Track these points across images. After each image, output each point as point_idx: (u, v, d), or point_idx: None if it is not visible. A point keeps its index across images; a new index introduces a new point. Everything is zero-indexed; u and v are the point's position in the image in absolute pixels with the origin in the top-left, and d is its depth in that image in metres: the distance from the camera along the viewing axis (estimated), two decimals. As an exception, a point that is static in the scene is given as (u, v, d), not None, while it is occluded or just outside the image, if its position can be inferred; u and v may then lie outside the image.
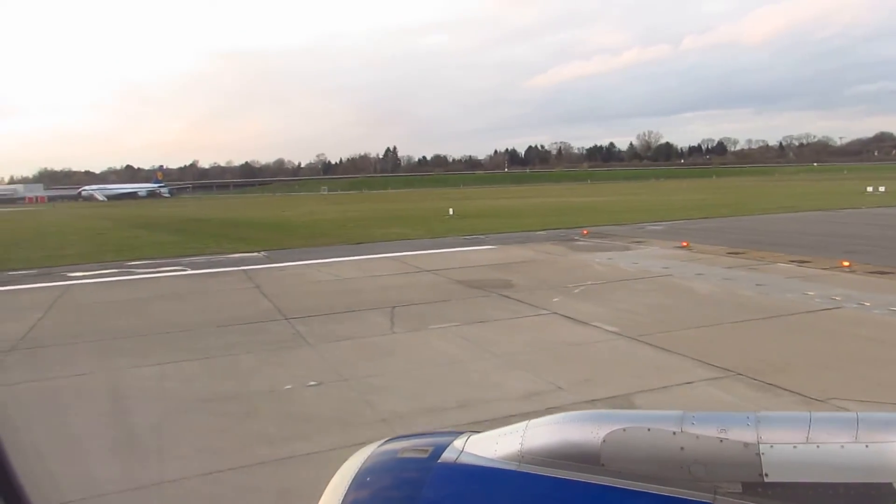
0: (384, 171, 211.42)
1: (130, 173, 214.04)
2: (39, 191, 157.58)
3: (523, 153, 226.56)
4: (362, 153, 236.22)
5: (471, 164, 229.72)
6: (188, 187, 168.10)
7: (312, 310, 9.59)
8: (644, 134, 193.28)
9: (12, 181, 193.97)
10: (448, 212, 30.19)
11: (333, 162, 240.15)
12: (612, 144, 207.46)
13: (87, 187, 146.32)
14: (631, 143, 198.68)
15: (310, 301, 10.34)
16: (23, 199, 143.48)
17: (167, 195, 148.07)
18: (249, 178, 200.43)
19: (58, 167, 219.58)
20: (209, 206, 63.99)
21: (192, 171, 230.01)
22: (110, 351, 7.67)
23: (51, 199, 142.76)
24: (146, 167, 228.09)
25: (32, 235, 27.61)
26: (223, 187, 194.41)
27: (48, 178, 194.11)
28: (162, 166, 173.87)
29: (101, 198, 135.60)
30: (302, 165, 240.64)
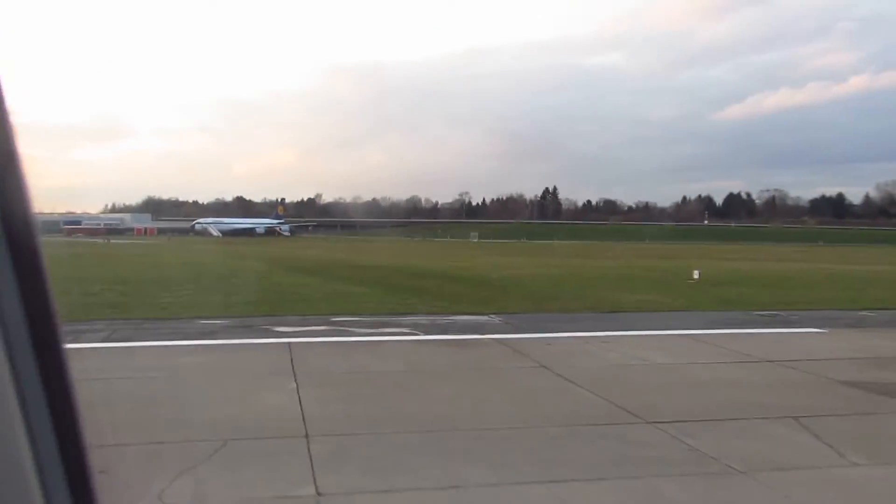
0: (542, 216, 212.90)
1: (242, 206, 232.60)
2: (148, 221, 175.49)
3: (720, 202, 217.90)
4: (513, 194, 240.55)
5: (650, 212, 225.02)
6: (309, 225, 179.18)
7: (667, 410, 8.56)
8: (888, 184, 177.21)
9: (115, 209, 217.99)
10: (691, 274, 29.23)
11: (477, 202, 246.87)
12: (840, 196, 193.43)
13: (201, 220, 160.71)
14: (867, 195, 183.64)
15: (648, 395, 9.34)
16: (131, 229, 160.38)
17: (287, 233, 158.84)
18: (378, 217, 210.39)
19: (164, 195, 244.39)
20: (349, 248, 66.99)
21: (312, 206, 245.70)
22: (444, 452, 6.90)
23: (160, 231, 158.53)
24: (257, 199, 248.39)
25: (184, 273, 29.89)
26: (348, 226, 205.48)
27: (154, 207, 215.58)
28: (282, 199, 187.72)
29: (215, 233, 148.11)
30: (440, 205, 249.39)
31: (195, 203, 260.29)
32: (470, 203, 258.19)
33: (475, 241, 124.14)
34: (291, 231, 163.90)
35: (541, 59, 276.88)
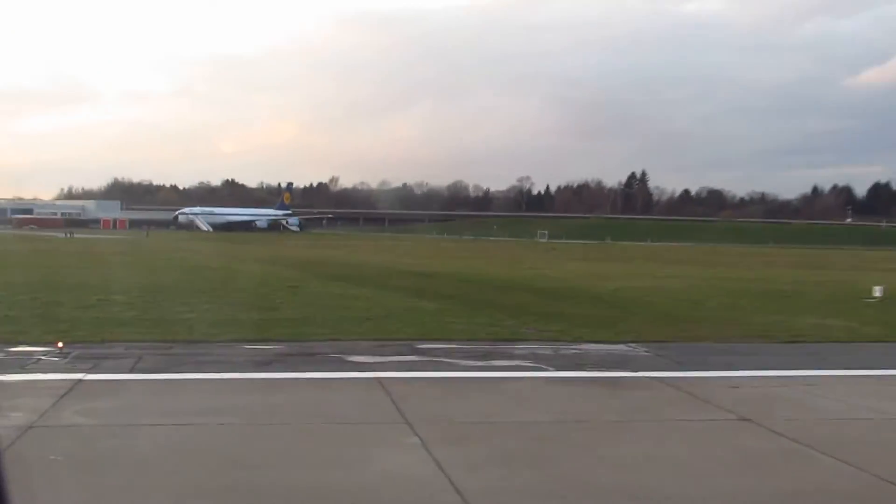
0: (628, 209, 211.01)
1: (234, 192, 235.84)
2: (116, 211, 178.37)
3: (863, 193, 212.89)
4: (587, 180, 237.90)
5: (768, 205, 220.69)
6: (323, 218, 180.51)
7: None
8: None
9: (73, 194, 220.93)
10: (870, 291, 28.73)
11: (539, 191, 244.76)
12: None
13: (186, 210, 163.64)
14: None
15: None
16: (96, 221, 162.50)
17: (295, 228, 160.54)
18: (412, 208, 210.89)
19: (134, 178, 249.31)
20: (386, 249, 68.30)
21: (324, 193, 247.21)
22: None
23: (134, 223, 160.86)
24: (252, 183, 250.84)
25: (191, 279, 30.45)
26: (374, 220, 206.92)
27: (122, 192, 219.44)
28: (289, 185, 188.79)
29: (204, 226, 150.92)
30: (492, 193, 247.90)
31: (174, 188, 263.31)
32: (530, 191, 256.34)
33: (544, 240, 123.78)
34: (301, 225, 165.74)
35: (618, 7, 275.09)
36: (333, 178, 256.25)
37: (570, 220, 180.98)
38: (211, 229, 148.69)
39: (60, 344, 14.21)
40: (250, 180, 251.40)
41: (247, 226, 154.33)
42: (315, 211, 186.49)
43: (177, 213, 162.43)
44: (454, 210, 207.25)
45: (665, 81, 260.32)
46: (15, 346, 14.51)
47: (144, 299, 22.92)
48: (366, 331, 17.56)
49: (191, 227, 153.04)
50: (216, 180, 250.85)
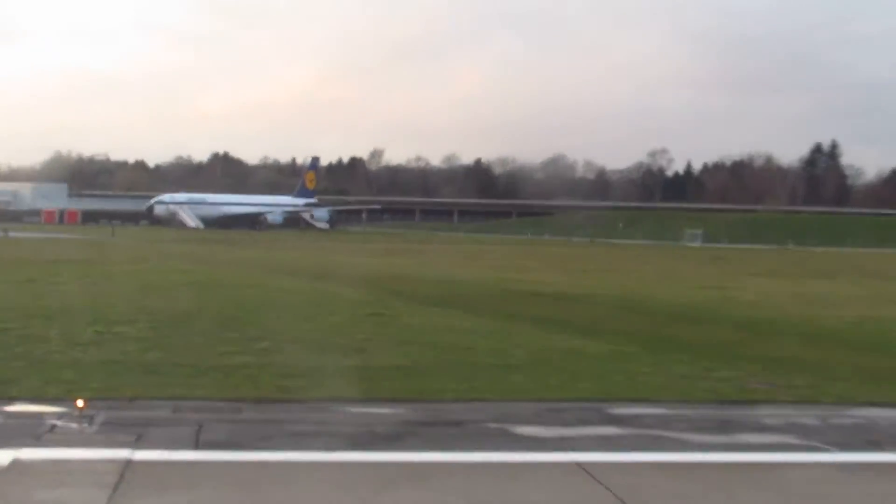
0: (812, 198, 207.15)
1: (230, 171, 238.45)
2: (62, 198, 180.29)
3: None
4: (749, 155, 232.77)
5: None
6: (363, 209, 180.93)
7: None
8: None
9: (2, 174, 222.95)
10: None
11: (677, 170, 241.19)
12: None
13: (164, 198, 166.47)
14: None
15: None
16: (36, 212, 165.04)
17: (324, 224, 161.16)
18: (493, 196, 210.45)
19: (85, 151, 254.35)
20: (467, 255, 70.14)
21: (359, 174, 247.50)
22: None
23: (88, 215, 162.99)
24: (252, 159, 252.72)
25: (220, 303, 30.44)
26: (436, 213, 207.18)
27: (68, 171, 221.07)
28: (315, 161, 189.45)
29: (191, 221, 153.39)
30: (608, 171, 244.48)
31: (140, 165, 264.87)
32: (662, 171, 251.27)
33: (697, 244, 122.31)
34: (332, 219, 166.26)
35: None
36: (375, 151, 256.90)
37: (730, 213, 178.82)
38: (202, 225, 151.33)
39: (80, 403, 13.86)
40: (250, 155, 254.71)
41: (253, 220, 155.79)
42: (353, 199, 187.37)
43: (152, 201, 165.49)
44: (553, 199, 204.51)
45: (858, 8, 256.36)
46: (11, 404, 14.34)
47: (161, 333, 22.67)
48: (519, 386, 17.30)
49: (172, 221, 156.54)
50: (200, 154, 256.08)
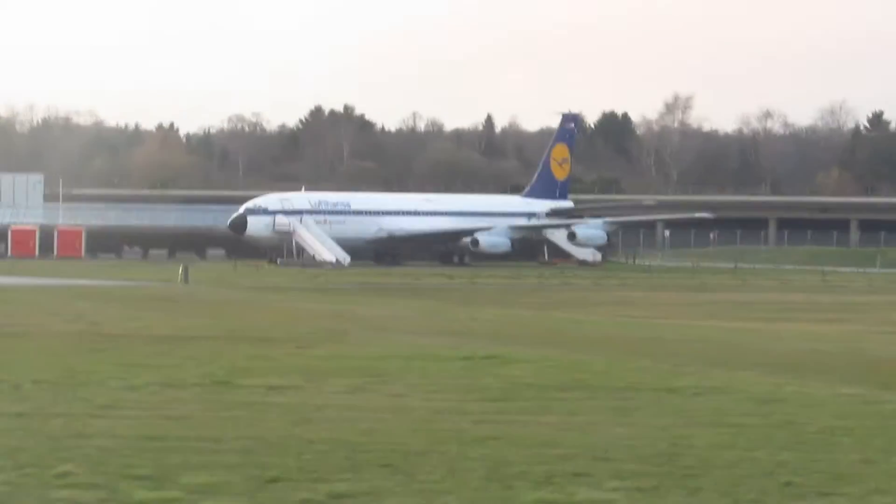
0: None
1: (362, 145, 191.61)
2: (37, 201, 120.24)
3: None
4: None
5: None
6: (654, 222, 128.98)
7: None
8: None
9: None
10: None
11: None
12: None
13: (267, 202, 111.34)
14: None
15: None
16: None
17: (591, 254, 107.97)
18: None
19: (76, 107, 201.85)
20: None
21: (631, 142, 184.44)
22: None
23: (98, 235, 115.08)
24: (390, 124, 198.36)
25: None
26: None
27: (37, 143, 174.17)
28: (572, 119, 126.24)
29: (324, 248, 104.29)
30: None
31: (169, 134, 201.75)
32: None
33: None
34: (609, 235, 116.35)
35: None
36: (678, 99, 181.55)
37: None
38: (345, 256, 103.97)
39: None
40: (387, 115, 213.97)
41: (450, 244, 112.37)
42: (648, 200, 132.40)
43: (242, 209, 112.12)
44: None
45: None
46: None
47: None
48: None
49: (280, 245, 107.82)
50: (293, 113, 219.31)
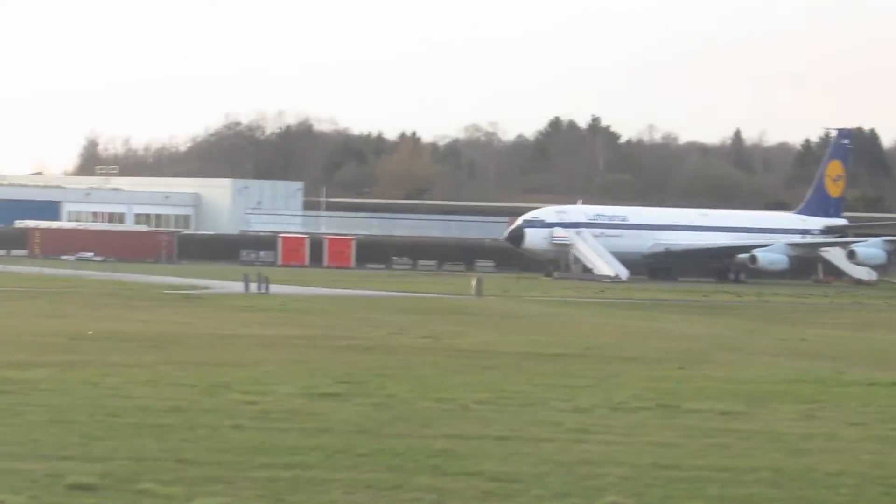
0: None
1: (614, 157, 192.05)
2: (297, 209, 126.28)
3: None
4: None
5: None
6: None
7: None
8: None
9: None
10: None
11: None
12: None
13: (545, 215, 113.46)
14: None
15: None
16: (259, 239, 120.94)
17: (868, 273, 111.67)
18: None
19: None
20: None
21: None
22: None
23: (368, 248, 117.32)
24: (626, 132, 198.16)
25: None
26: None
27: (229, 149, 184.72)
28: (844, 135, 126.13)
29: (603, 263, 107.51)
30: None
31: (414, 141, 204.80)
32: None
33: None
34: (890, 254, 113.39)
35: None
36: None
37: None
38: (623, 271, 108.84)
39: None
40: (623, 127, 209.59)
41: (726, 260, 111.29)
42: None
43: (520, 220, 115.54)
44: None
45: None
46: None
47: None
48: None
49: (556, 257, 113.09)
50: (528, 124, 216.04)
